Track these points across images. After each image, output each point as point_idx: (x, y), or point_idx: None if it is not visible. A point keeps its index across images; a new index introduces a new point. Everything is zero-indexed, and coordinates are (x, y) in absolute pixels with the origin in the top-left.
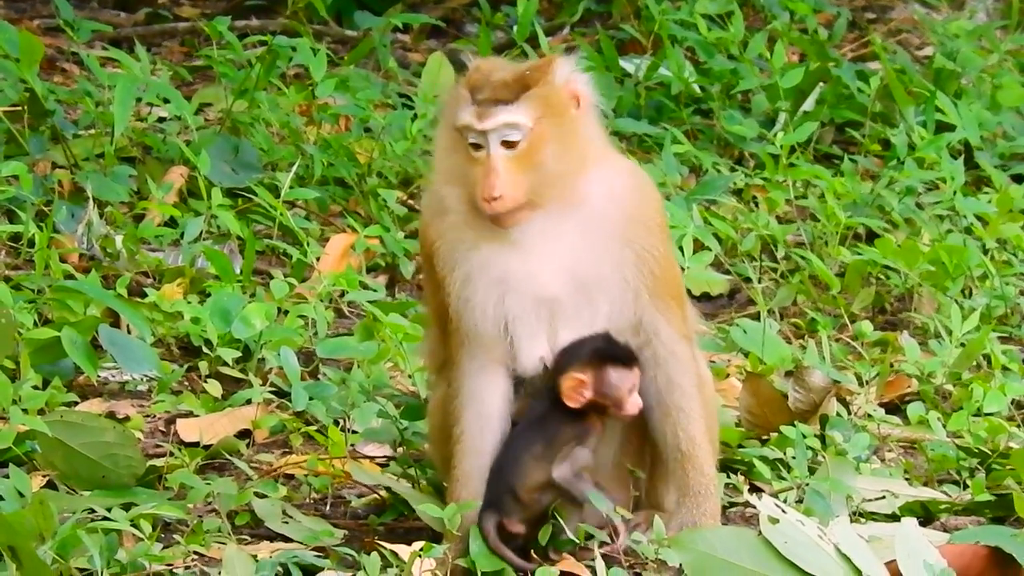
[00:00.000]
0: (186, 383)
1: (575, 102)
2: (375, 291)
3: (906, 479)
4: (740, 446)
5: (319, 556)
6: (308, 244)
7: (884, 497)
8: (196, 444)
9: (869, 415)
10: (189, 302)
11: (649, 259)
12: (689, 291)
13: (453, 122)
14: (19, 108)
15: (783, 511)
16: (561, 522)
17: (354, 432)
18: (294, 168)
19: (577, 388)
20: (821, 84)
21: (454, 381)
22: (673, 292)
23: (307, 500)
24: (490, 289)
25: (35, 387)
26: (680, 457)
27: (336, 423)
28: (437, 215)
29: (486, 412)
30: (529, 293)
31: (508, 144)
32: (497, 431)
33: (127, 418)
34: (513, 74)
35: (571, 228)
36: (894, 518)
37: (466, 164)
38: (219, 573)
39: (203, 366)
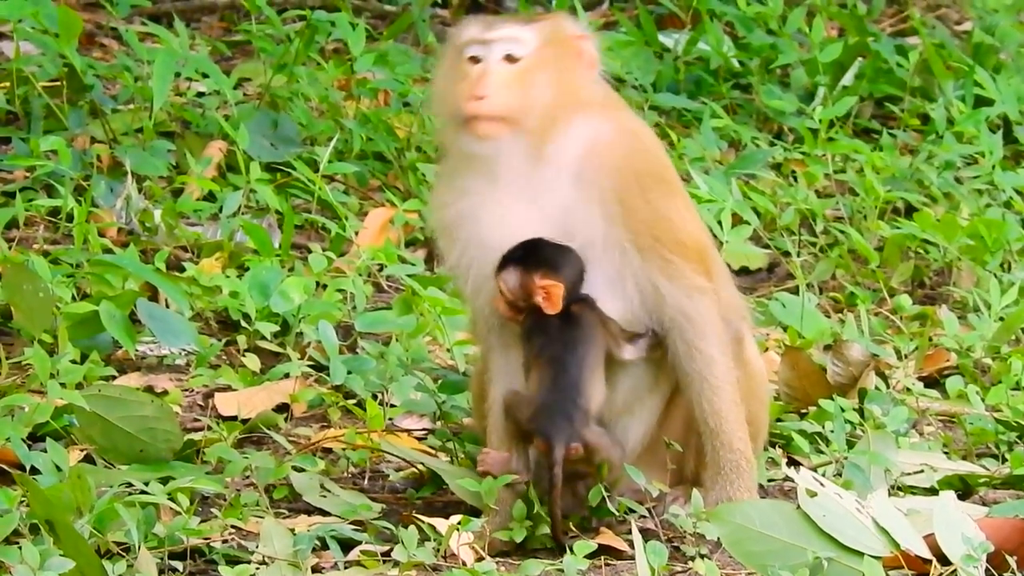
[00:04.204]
0: (224, 357)
1: (579, 53)
2: (413, 265)
3: (945, 453)
4: (779, 420)
5: (357, 530)
6: (347, 218)
7: (923, 471)
8: (234, 418)
9: (908, 389)
10: (228, 276)
11: (628, 210)
12: (728, 265)
13: (456, 40)
14: (58, 83)
15: (821, 484)
16: (604, 493)
17: (392, 406)
18: (333, 142)
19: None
20: (860, 59)
21: (482, 356)
22: (674, 248)
23: (345, 474)
24: (480, 257)
25: (73, 361)
26: (708, 432)
27: (374, 397)
28: (442, 180)
29: (514, 386)
30: None
31: (510, 59)
32: None
33: (165, 392)
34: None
35: (554, 181)
36: (933, 492)
37: (460, 80)
38: (257, 547)
39: (241, 340)
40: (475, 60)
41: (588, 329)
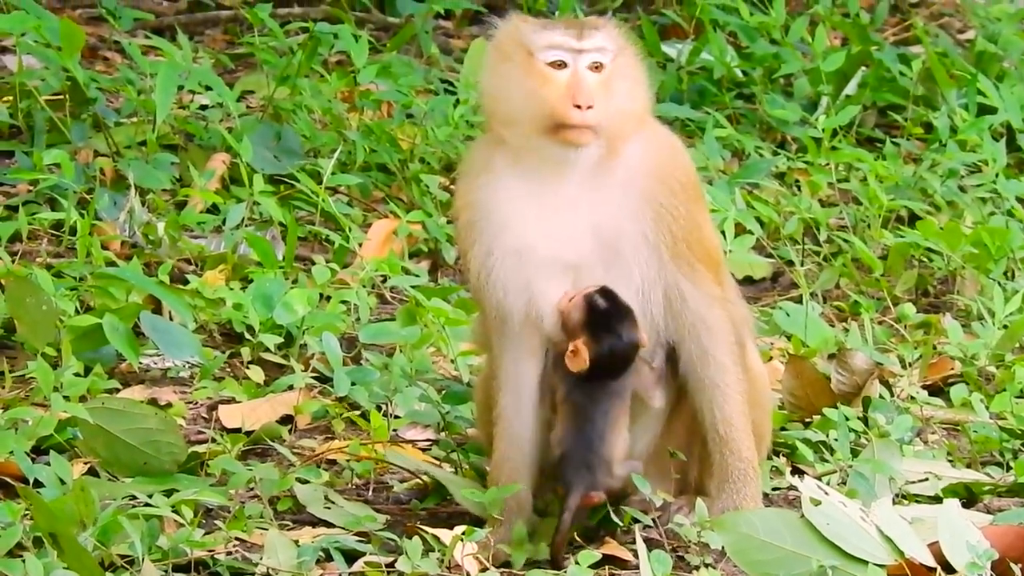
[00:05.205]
0: (228, 369)
1: (639, 64)
2: (417, 276)
3: (949, 461)
4: (783, 429)
5: (361, 541)
6: (350, 230)
7: (927, 479)
8: (238, 430)
9: (912, 397)
10: (231, 288)
11: (669, 218)
12: (732, 275)
13: (532, 42)
14: (61, 96)
15: (825, 493)
16: (607, 506)
17: (396, 417)
18: (336, 154)
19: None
20: (863, 68)
21: (491, 364)
22: (700, 256)
23: (349, 485)
24: (511, 261)
25: (77, 374)
26: (718, 440)
27: (378, 408)
28: (470, 178)
29: (523, 395)
30: (551, 260)
31: (597, 67)
32: (534, 414)
33: (169, 404)
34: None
35: (606, 188)
36: (937, 500)
37: (542, 85)
38: (261, 559)
39: (245, 352)
40: (560, 65)
41: (619, 380)
